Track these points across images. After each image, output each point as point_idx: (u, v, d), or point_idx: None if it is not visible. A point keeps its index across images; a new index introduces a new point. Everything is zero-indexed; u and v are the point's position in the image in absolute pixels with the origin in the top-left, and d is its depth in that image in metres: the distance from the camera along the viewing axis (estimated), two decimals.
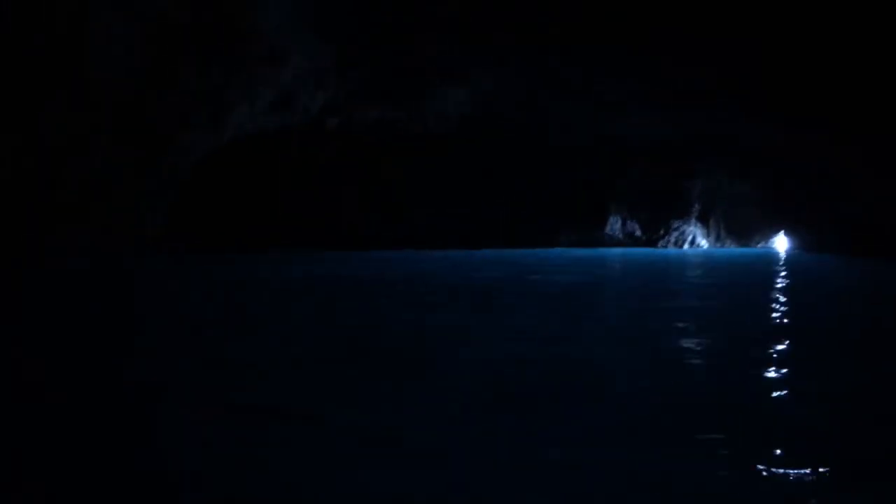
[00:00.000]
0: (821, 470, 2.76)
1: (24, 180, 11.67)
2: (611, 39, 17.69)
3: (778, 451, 2.99)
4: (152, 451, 3.05)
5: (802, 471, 2.74)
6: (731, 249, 27.69)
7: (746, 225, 28.17)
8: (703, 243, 28.48)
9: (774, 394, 4.10)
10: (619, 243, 27.00)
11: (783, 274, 15.16)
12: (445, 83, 20.23)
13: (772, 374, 4.58)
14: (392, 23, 16.78)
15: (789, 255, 24.07)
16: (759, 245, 29.13)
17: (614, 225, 26.53)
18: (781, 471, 2.74)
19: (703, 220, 27.86)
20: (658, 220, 27.10)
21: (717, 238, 28.62)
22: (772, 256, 22.80)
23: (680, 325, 6.76)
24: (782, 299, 9.56)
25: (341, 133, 21.95)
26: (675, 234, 27.50)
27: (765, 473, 2.72)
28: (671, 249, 27.03)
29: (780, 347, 5.57)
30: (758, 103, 19.28)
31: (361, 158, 24.01)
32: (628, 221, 26.91)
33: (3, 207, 11.55)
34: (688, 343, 5.78)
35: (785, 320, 7.43)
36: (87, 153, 13.11)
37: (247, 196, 22.21)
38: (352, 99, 20.01)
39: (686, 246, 28.06)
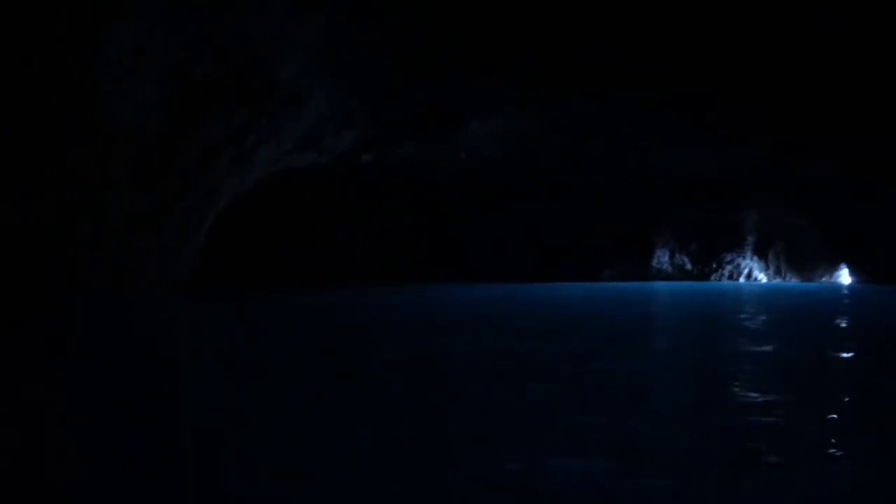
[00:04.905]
0: None
1: (45, 234, 12.27)
2: (649, 81, 17.25)
3: None
4: None
5: None
6: (785, 284, 25.95)
7: (808, 258, 26.56)
8: (762, 277, 27.02)
9: None
10: (668, 276, 25.86)
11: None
12: (477, 120, 20.19)
13: None
14: (414, 66, 16.89)
15: (852, 289, 21.75)
16: (822, 279, 27.34)
17: (661, 258, 25.51)
18: None
19: (760, 253, 26.47)
20: (710, 253, 25.92)
21: (777, 271, 27.11)
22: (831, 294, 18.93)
23: None
24: None
25: (377, 170, 22.21)
26: (729, 267, 26.24)
27: None
28: (725, 283, 25.67)
29: None
30: (801, 140, 18.32)
31: (400, 194, 24.17)
32: (677, 254, 25.84)
33: (26, 262, 12.12)
34: None
35: None
36: (107, 202, 13.67)
37: (281, 235, 22.72)
38: (383, 136, 20.23)
39: (742, 279, 26.70)
